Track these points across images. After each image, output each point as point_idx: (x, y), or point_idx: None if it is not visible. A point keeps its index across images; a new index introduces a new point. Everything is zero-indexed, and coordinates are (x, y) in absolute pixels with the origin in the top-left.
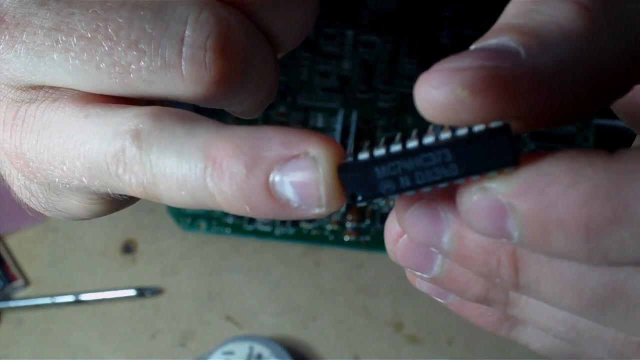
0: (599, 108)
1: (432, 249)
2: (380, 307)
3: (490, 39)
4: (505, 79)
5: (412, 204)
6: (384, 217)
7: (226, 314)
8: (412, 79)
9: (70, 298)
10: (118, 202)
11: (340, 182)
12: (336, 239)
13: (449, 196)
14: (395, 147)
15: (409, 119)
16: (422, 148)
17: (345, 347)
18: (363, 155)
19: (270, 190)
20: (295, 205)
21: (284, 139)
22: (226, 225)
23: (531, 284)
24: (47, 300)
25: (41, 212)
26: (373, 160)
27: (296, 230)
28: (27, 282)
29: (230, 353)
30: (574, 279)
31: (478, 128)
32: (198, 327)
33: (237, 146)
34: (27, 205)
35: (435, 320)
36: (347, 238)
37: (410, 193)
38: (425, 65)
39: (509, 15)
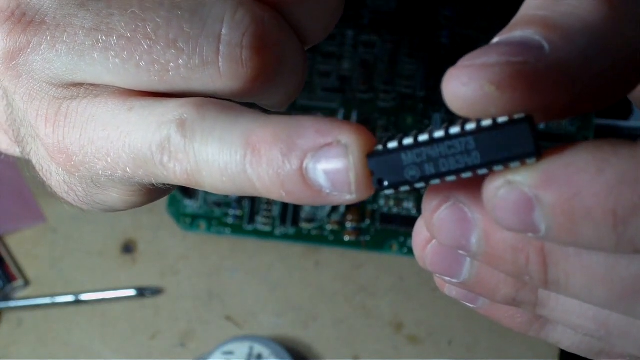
0: (621, 95)
1: (461, 252)
2: (380, 307)
3: (515, 31)
4: (530, 74)
5: (440, 207)
6: (383, 217)
7: (226, 314)
8: (412, 79)
9: (70, 298)
10: (157, 193)
11: (369, 169)
12: (336, 239)
13: (475, 196)
14: (423, 136)
15: (409, 119)
16: (447, 136)
17: (345, 347)
18: (392, 144)
19: (304, 176)
20: (328, 191)
21: (319, 127)
22: (226, 225)
23: (560, 279)
24: (47, 300)
25: (79, 205)
26: (400, 147)
27: (296, 230)
28: (27, 282)
29: (230, 353)
30: (604, 272)
31: (502, 119)
32: (198, 327)
33: (275, 133)
34: (64, 199)
35: (436, 321)
36: (347, 238)
37: (435, 182)
38: (425, 65)
39: (531, 5)
